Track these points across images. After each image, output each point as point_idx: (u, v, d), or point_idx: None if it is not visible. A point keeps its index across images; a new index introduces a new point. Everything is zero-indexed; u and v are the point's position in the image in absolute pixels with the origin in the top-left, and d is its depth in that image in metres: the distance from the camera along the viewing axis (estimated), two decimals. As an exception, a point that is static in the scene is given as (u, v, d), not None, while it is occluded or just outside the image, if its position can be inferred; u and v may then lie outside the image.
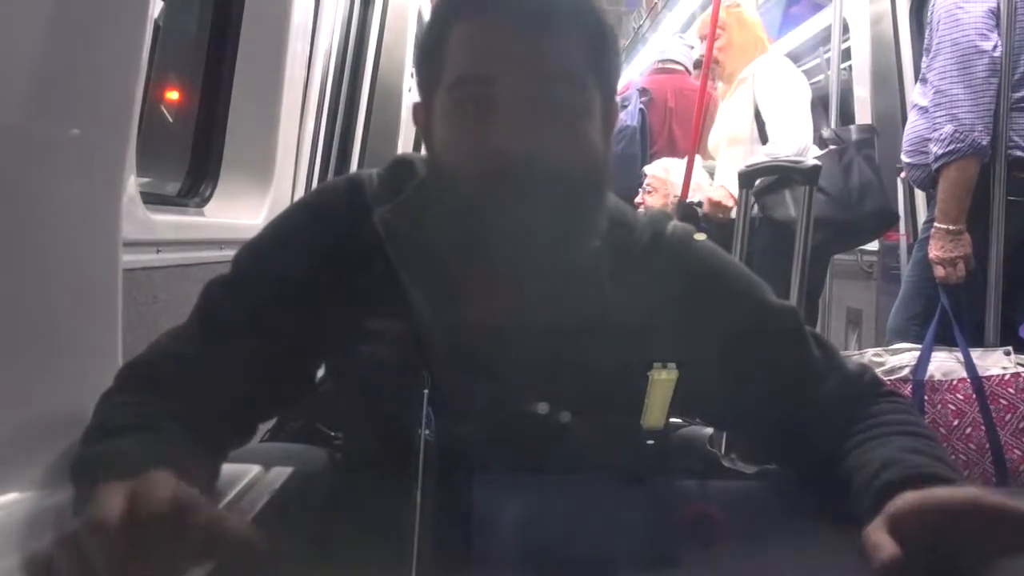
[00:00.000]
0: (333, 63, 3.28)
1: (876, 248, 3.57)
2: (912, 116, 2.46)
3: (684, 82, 4.43)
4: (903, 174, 2.60)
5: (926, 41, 2.38)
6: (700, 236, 0.94)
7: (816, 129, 3.11)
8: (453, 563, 0.63)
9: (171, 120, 2.18)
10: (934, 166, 2.24)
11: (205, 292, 0.91)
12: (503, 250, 0.78)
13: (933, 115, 2.25)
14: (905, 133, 2.48)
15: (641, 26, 8.97)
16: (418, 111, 0.90)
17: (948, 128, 2.21)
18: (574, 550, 0.65)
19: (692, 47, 4.70)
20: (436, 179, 0.85)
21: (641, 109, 4.28)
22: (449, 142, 0.84)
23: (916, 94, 2.46)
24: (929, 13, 2.34)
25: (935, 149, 2.23)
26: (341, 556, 0.66)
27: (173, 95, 2.21)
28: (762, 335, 0.90)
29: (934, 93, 2.26)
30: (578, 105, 0.84)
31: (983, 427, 1.94)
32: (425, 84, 0.88)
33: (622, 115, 4.33)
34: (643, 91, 4.41)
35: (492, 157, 0.79)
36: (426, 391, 0.62)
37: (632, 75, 8.92)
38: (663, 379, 0.64)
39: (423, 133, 0.89)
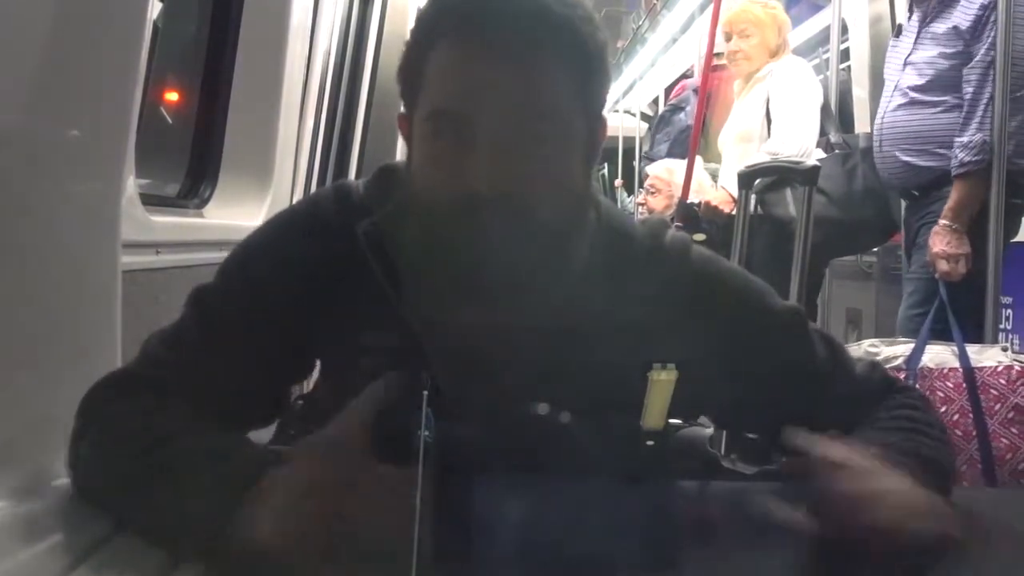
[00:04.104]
0: (333, 63, 3.28)
1: (876, 248, 3.57)
2: (915, 112, 2.45)
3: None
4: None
5: (961, 38, 2.35)
6: (700, 236, 0.93)
7: (823, 134, 3.10)
8: (452, 564, 0.63)
9: (170, 121, 2.17)
10: (961, 171, 2.28)
11: (194, 301, 0.91)
12: (482, 278, 0.77)
13: (966, 120, 2.28)
14: (902, 128, 2.47)
15: (640, 27, 8.96)
16: (403, 122, 0.88)
17: (979, 137, 2.26)
18: (574, 551, 0.65)
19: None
20: (415, 199, 0.84)
21: None
22: (426, 171, 0.83)
23: (912, 90, 2.45)
24: (978, 10, 2.32)
25: (961, 155, 2.27)
26: (341, 556, 0.66)
27: (172, 96, 2.21)
28: (765, 339, 0.89)
29: (977, 95, 2.28)
30: (559, 141, 0.82)
31: (970, 415, 1.96)
32: (406, 99, 0.87)
33: (681, 116, 4.28)
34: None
35: (468, 196, 0.78)
36: (425, 392, 0.62)
37: (632, 76, 8.93)
38: (663, 380, 0.64)
39: (406, 144, 0.88)
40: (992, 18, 2.28)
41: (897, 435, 0.85)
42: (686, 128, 4.16)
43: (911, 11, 2.58)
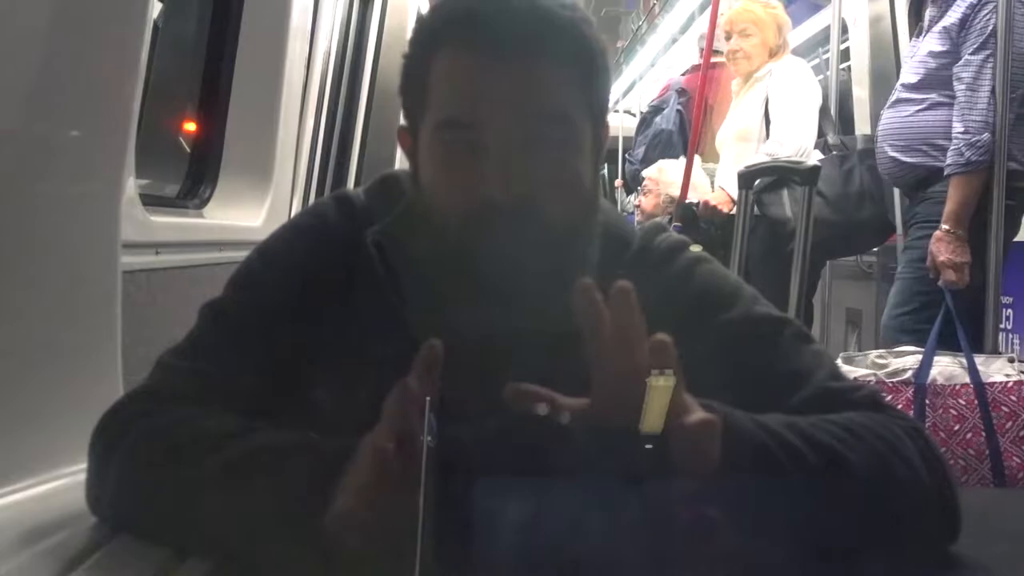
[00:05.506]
0: (332, 63, 3.28)
1: (875, 249, 3.58)
2: (904, 108, 2.45)
3: (727, 74, 4.31)
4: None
5: (948, 37, 2.36)
6: (696, 248, 0.92)
7: (821, 135, 3.11)
8: (453, 569, 0.63)
9: (170, 121, 2.18)
10: (960, 170, 2.26)
11: (208, 313, 0.89)
12: (495, 285, 0.77)
13: (967, 116, 2.27)
14: (892, 124, 2.48)
15: (639, 27, 8.98)
16: (404, 136, 0.87)
17: (986, 136, 2.25)
18: (578, 554, 0.65)
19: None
20: (424, 210, 0.84)
21: (679, 111, 4.18)
22: (437, 181, 0.82)
23: (905, 87, 2.46)
24: (966, 9, 2.33)
25: (968, 153, 2.25)
26: (343, 563, 0.66)
27: (171, 96, 2.21)
28: (747, 347, 0.86)
29: (972, 93, 2.28)
30: (569, 143, 0.82)
31: (983, 433, 1.94)
32: (409, 112, 0.86)
33: (658, 119, 4.27)
34: (681, 92, 4.29)
35: (482, 203, 0.78)
36: (428, 398, 0.62)
37: (632, 76, 8.93)
38: (661, 386, 0.63)
39: (409, 158, 0.87)
40: (983, 15, 2.27)
41: (799, 419, 0.78)
42: (661, 132, 4.16)
43: (916, 11, 2.59)
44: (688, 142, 3.98)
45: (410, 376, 0.64)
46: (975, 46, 2.28)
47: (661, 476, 0.66)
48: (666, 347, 0.65)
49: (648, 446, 0.64)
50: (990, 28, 2.25)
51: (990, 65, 2.26)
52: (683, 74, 4.71)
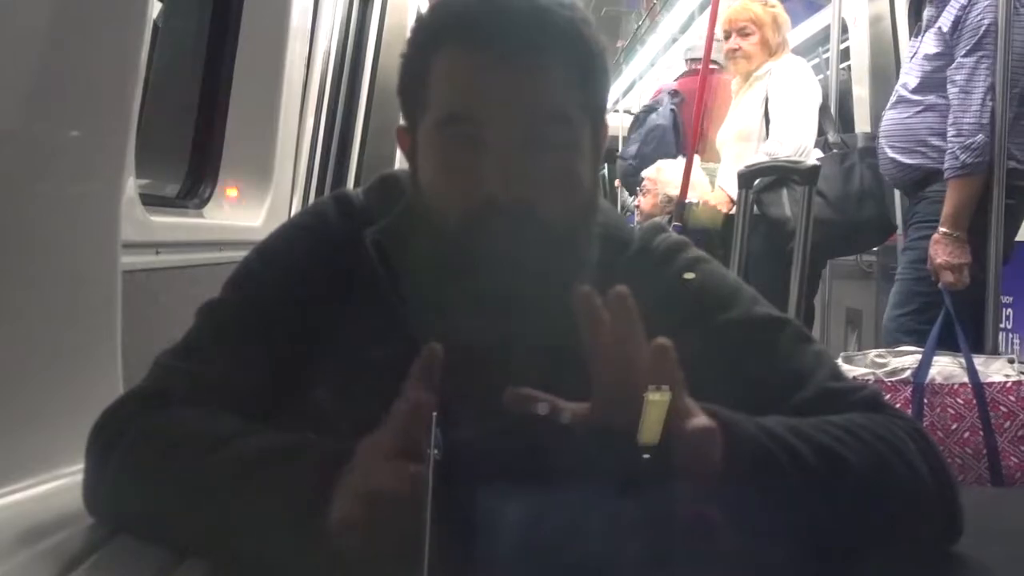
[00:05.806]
0: (332, 63, 3.28)
1: (875, 248, 3.58)
2: (904, 110, 2.46)
3: (718, 77, 4.22)
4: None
5: (943, 38, 2.36)
6: (690, 275, 0.91)
7: (822, 133, 3.10)
8: (452, 572, 0.63)
9: (170, 121, 2.17)
10: (957, 173, 2.27)
11: (205, 313, 0.89)
12: (494, 285, 0.77)
13: (960, 119, 2.27)
14: (892, 126, 2.49)
15: (640, 27, 8.99)
16: (403, 136, 0.88)
17: (980, 138, 2.25)
18: (578, 558, 0.65)
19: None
20: (424, 210, 0.84)
21: (672, 109, 4.22)
22: (437, 180, 0.83)
23: (905, 89, 2.47)
24: (958, 11, 2.33)
25: (963, 156, 2.26)
26: (342, 565, 0.66)
27: (171, 96, 2.21)
28: (747, 348, 0.86)
29: (965, 96, 2.28)
30: (569, 143, 0.82)
31: (981, 432, 1.94)
32: (409, 112, 0.86)
33: (653, 116, 4.30)
34: (674, 93, 4.34)
35: (481, 203, 0.78)
36: (435, 413, 0.62)
37: (632, 76, 8.94)
38: (657, 400, 0.63)
39: (408, 158, 0.87)
40: (973, 15, 2.27)
41: (824, 431, 0.77)
42: (655, 127, 4.19)
43: (916, 11, 2.59)
44: (681, 139, 4.04)
45: (413, 386, 0.64)
46: (967, 48, 2.28)
47: (663, 481, 0.66)
48: (666, 352, 0.65)
49: (646, 455, 0.64)
50: (982, 29, 2.25)
51: (983, 66, 2.25)
52: (676, 79, 4.76)
